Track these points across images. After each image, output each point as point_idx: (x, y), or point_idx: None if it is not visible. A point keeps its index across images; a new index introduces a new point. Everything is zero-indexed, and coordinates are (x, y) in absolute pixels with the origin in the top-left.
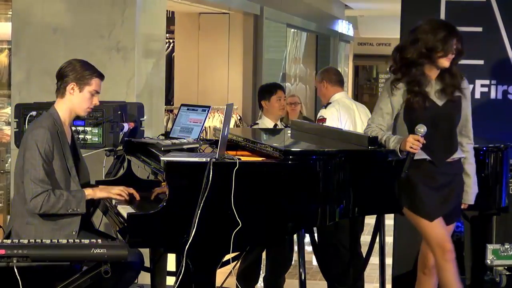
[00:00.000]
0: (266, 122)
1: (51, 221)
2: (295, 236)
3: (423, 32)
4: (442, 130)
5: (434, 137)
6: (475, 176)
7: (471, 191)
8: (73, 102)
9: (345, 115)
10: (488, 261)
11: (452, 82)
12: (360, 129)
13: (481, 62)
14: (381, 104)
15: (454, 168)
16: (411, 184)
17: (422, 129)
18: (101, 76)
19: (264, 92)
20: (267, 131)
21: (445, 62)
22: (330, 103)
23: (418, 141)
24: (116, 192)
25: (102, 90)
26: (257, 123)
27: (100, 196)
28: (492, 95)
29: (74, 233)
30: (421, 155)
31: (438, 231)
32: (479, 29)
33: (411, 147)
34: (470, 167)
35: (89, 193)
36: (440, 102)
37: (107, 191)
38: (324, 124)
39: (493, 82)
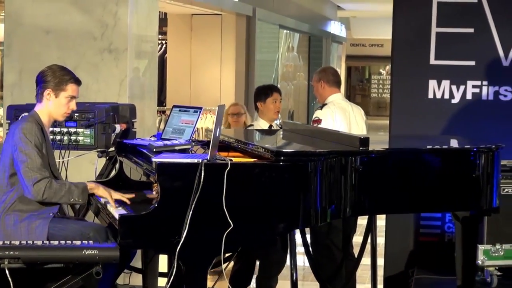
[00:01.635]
0: (261, 124)
1: (32, 207)
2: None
3: None
4: None
5: None
6: None
7: None
8: (50, 107)
9: (340, 116)
10: (479, 262)
11: None
12: (355, 131)
13: (472, 63)
14: None
15: None
16: None
17: None
18: (77, 82)
19: (260, 93)
20: (260, 132)
21: None
22: (326, 104)
23: None
24: (117, 197)
25: (94, 91)
26: (252, 125)
27: (101, 195)
28: (484, 96)
29: (51, 214)
30: None
31: None
32: (471, 30)
33: None
34: None
35: (92, 186)
36: None
37: (109, 194)
38: (319, 125)
39: (485, 83)
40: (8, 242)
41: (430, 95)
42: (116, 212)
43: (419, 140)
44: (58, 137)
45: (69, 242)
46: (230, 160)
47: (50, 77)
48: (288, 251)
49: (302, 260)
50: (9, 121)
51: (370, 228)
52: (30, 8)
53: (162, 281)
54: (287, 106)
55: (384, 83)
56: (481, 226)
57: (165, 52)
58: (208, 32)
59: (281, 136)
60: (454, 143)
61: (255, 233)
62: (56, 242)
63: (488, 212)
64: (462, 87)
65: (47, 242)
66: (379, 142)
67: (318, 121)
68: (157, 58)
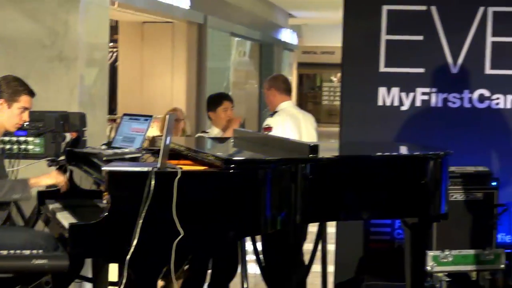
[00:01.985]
0: (215, 132)
1: None
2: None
3: None
4: None
5: None
6: None
7: None
8: (3, 118)
9: (291, 124)
10: (429, 268)
11: None
12: (305, 138)
13: (422, 70)
14: None
15: None
16: None
17: None
18: (31, 94)
19: (210, 103)
20: (211, 140)
21: None
22: (277, 111)
23: None
24: (62, 180)
25: (44, 100)
26: (208, 132)
27: (47, 183)
28: (433, 102)
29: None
30: None
31: None
32: (420, 37)
33: None
34: None
35: (34, 181)
36: None
37: (53, 178)
38: (270, 133)
39: (434, 90)
40: None
41: (380, 102)
42: (66, 221)
43: (369, 147)
44: (7, 146)
45: (18, 251)
46: (180, 168)
47: (4, 87)
48: (239, 259)
49: (253, 268)
50: None
51: (321, 235)
52: None
53: None
54: (238, 114)
55: (335, 90)
56: (430, 232)
57: (116, 60)
58: (160, 40)
59: (232, 144)
60: (403, 150)
61: (206, 241)
62: (4, 252)
63: (437, 218)
64: (411, 94)
65: None
66: (330, 149)
67: (269, 128)
68: (108, 66)
